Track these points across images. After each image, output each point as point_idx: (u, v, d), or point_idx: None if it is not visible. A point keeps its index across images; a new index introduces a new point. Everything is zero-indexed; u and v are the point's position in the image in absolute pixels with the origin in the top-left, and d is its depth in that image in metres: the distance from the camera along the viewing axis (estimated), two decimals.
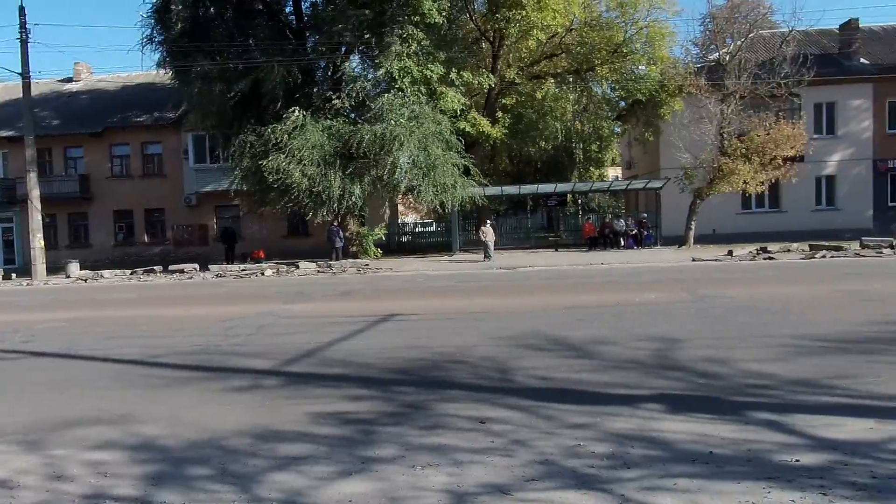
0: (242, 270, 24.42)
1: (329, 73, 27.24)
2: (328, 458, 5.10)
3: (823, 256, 22.21)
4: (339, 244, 26.94)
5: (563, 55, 30.23)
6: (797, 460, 4.69)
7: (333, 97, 25.30)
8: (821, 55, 30.61)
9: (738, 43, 27.04)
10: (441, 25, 25.36)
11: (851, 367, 7.23)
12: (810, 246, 24.41)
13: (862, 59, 32.36)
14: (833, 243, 24.58)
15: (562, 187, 34.02)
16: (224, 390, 7.36)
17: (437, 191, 24.27)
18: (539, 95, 30.18)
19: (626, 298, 13.48)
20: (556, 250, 30.28)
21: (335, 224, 26.92)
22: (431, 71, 24.64)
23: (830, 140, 31.36)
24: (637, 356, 8.23)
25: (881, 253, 22.53)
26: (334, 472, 4.81)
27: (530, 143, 35.68)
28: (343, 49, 26.39)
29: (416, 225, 40.03)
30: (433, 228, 38.21)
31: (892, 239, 24.06)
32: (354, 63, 27.29)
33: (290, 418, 6.18)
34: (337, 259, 26.05)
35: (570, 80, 31.48)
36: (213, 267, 25.24)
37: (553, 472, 4.69)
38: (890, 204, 31.50)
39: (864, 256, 21.96)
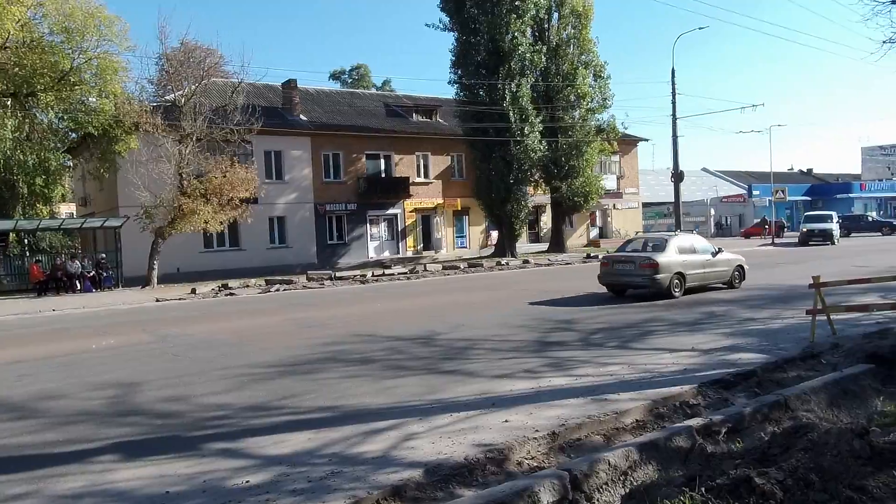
0: None
1: None
2: None
3: (278, 289, 24.43)
4: None
5: None
6: (247, 481, 5.07)
7: None
8: (267, 108, 33.91)
9: (193, 87, 27.88)
10: None
11: (295, 387, 8.16)
12: (266, 281, 26.58)
13: (301, 116, 37.03)
14: (285, 277, 27.30)
15: (1, 225, 29.59)
16: None
17: None
18: None
19: (80, 346, 12.44)
20: None
21: None
22: None
23: (279, 184, 34.86)
24: (91, 407, 7.71)
25: (323, 284, 25.96)
26: None
27: None
28: None
29: None
30: None
31: (331, 272, 27.96)
32: None
33: None
34: None
35: (9, 103, 27.68)
36: None
37: None
38: (329, 242, 36.62)
39: (310, 288, 24.96)
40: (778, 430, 5.29)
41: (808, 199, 66.19)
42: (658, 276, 15.59)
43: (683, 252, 16.54)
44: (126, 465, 5.64)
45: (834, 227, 39.02)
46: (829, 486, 3.79)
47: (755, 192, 61.05)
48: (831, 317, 10.05)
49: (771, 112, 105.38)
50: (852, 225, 49.12)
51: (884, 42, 8.39)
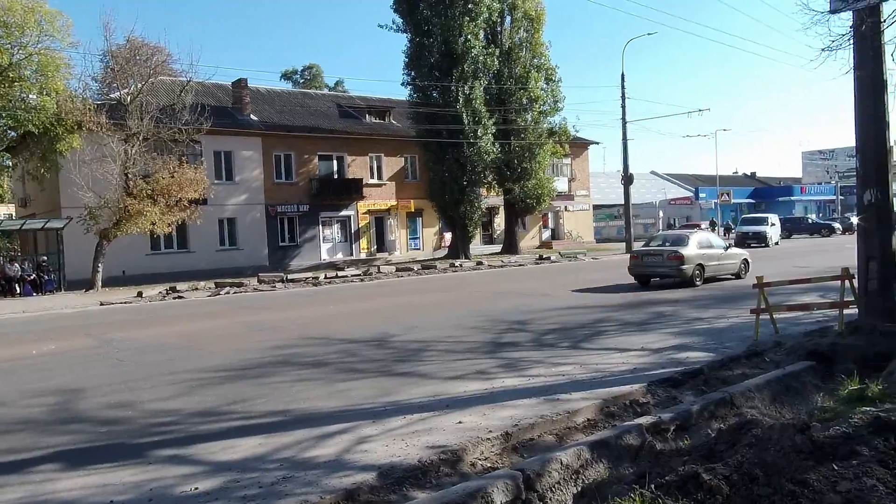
0: None
1: None
2: None
3: (228, 292, 23.99)
4: None
5: None
6: (196, 488, 4.96)
7: None
8: (217, 107, 33.32)
9: (140, 85, 27.19)
10: None
11: (246, 392, 8.02)
12: (216, 283, 26.08)
13: (252, 116, 36.45)
14: (236, 280, 26.84)
15: None
16: None
17: None
18: None
19: (20, 352, 12.00)
20: None
21: None
22: None
23: (230, 185, 34.23)
24: (31, 415, 7.44)
25: (275, 287, 25.58)
26: None
27: None
28: None
29: None
30: None
31: (283, 274, 27.60)
32: None
33: None
34: None
35: None
36: None
37: None
38: (281, 244, 36.12)
39: (261, 290, 24.57)
40: (724, 427, 5.41)
41: (752, 201, 68.18)
42: (683, 267, 17.86)
43: (702, 247, 18.82)
44: (68, 474, 5.46)
45: (768, 229, 39.55)
46: (773, 480, 3.89)
47: (702, 195, 62.59)
48: (774, 316, 10.36)
49: (717, 117, 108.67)
50: (794, 227, 50.67)
51: (822, 50, 8.67)
